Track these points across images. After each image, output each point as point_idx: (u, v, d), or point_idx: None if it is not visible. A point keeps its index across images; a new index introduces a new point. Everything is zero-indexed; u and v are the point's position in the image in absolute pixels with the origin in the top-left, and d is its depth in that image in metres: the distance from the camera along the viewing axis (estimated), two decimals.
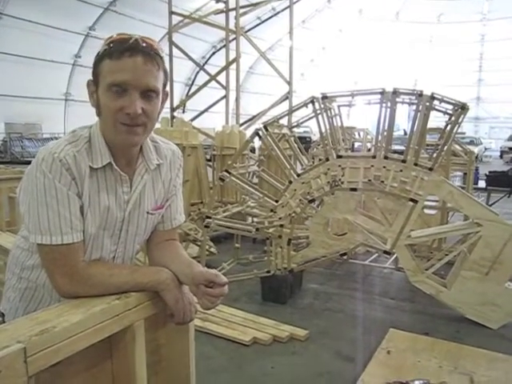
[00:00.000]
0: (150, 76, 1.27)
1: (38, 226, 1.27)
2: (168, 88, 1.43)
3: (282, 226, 4.36)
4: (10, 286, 1.51)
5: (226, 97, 10.32)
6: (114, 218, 1.40)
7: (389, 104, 4.09)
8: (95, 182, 1.34)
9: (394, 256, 4.78)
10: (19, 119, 22.63)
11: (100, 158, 1.33)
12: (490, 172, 8.07)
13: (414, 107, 4.08)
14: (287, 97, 11.21)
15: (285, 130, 5.42)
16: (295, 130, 6.02)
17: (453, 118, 4.07)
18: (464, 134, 23.01)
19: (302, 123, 4.91)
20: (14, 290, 1.50)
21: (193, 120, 10.17)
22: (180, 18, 11.40)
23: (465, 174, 6.37)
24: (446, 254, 4.28)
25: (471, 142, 22.26)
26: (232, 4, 10.46)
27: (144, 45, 1.26)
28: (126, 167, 1.40)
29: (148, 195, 1.47)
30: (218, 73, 10.71)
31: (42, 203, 1.26)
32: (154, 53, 1.28)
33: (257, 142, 5.39)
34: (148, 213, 1.48)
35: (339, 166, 4.19)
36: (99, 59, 1.27)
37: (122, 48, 1.24)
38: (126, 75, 1.24)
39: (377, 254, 5.55)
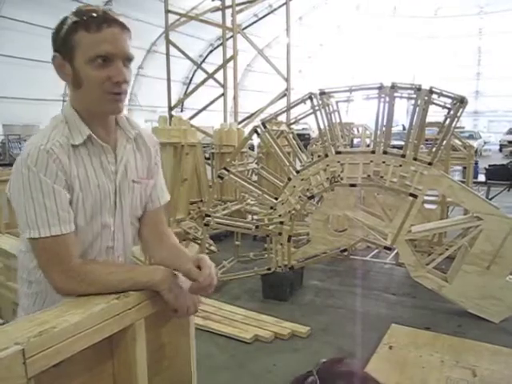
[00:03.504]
0: (126, 45, 1.33)
1: (26, 220, 1.27)
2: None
3: (281, 223, 4.35)
4: (22, 293, 1.51)
5: (223, 95, 10.30)
6: (106, 191, 1.41)
7: (387, 99, 4.07)
8: (80, 160, 1.35)
9: (395, 251, 4.77)
10: (17, 121, 22.57)
11: (80, 134, 1.35)
12: (489, 166, 8.06)
13: (413, 102, 4.07)
14: (285, 94, 11.20)
15: (283, 127, 5.42)
16: (294, 126, 6.01)
17: (452, 112, 4.05)
18: (463, 128, 22.93)
19: (300, 120, 4.89)
20: (26, 296, 1.49)
21: (191, 118, 10.15)
22: (176, 17, 11.36)
23: (464, 168, 6.38)
24: (447, 249, 4.28)
25: (470, 136, 22.20)
26: (228, 1, 10.43)
27: (114, 15, 1.31)
28: (106, 137, 1.41)
29: (132, 164, 1.49)
30: (216, 71, 10.70)
31: (28, 198, 1.26)
32: (123, 23, 1.33)
33: (256, 140, 5.38)
34: (134, 181, 1.49)
35: (338, 162, 4.18)
36: (72, 31, 1.28)
37: (99, 20, 1.27)
38: (109, 46, 1.28)
39: (377, 250, 5.55)
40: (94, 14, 1.27)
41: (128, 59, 1.34)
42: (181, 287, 1.38)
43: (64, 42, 1.29)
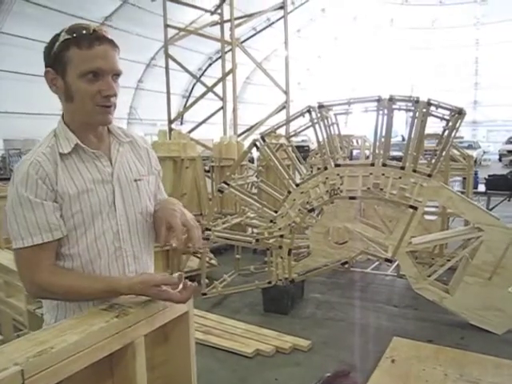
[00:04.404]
0: (116, 61, 1.41)
1: (11, 233, 1.38)
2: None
3: (282, 236, 4.34)
4: (45, 309, 1.55)
5: (223, 108, 10.34)
6: (104, 193, 1.46)
7: (386, 111, 4.09)
8: (74, 166, 1.43)
9: (396, 263, 4.76)
10: (18, 135, 22.60)
11: (68, 143, 1.43)
12: (489, 176, 8.04)
13: (411, 113, 4.08)
14: (284, 106, 11.24)
15: (282, 140, 5.43)
16: (293, 138, 6.02)
17: (450, 124, 4.07)
18: (462, 138, 23.01)
19: (299, 133, 4.91)
20: (48, 311, 1.53)
21: (191, 132, 10.18)
22: (175, 31, 11.46)
23: (464, 178, 6.37)
24: (448, 260, 4.26)
25: (469, 146, 22.24)
26: (227, 16, 10.53)
27: (104, 33, 1.38)
28: (99, 143, 1.50)
29: (130, 165, 1.56)
30: (215, 84, 10.76)
31: (12, 212, 1.37)
32: (112, 40, 1.41)
33: (255, 153, 5.40)
34: (136, 180, 1.55)
35: (338, 174, 4.19)
36: (64, 48, 1.36)
37: (90, 38, 1.36)
38: (100, 62, 1.36)
39: (378, 262, 5.53)
40: (85, 32, 1.36)
41: (116, 74, 1.42)
42: (151, 286, 1.35)
43: (57, 58, 1.38)
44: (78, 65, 1.36)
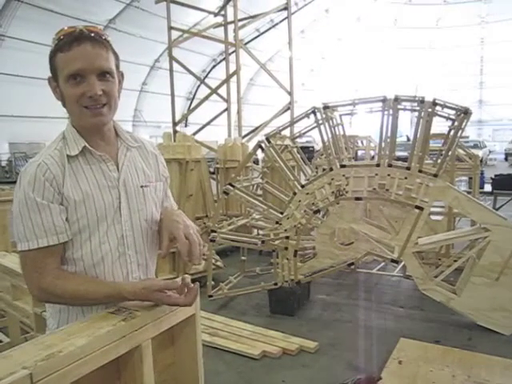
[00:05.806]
0: (101, 59, 1.35)
1: (17, 235, 1.36)
2: (122, 69, 1.49)
3: (287, 237, 4.33)
4: (49, 313, 1.54)
5: (227, 109, 10.35)
6: (109, 197, 1.44)
7: (391, 111, 4.08)
8: (80, 169, 1.41)
9: (402, 264, 4.74)
10: (23, 139, 22.76)
11: (76, 145, 1.41)
12: (495, 175, 8.00)
13: (417, 113, 4.07)
14: (289, 107, 11.24)
15: (287, 141, 5.42)
16: (298, 139, 6.01)
17: (456, 124, 4.05)
18: (467, 137, 22.90)
19: (304, 134, 4.91)
20: (52, 315, 1.52)
21: (195, 134, 10.19)
22: (179, 33, 11.48)
23: (470, 178, 6.34)
24: (455, 261, 4.24)
25: (475, 146, 22.12)
26: (230, 17, 10.55)
27: (89, 33, 1.34)
28: (107, 147, 1.48)
29: (137, 171, 1.53)
30: (219, 86, 10.77)
31: (18, 214, 1.35)
32: (100, 37, 1.36)
33: (260, 154, 5.40)
34: (142, 186, 1.53)
35: (343, 175, 4.18)
36: (53, 55, 1.36)
37: (70, 39, 1.32)
38: (79, 63, 1.32)
39: (384, 263, 5.51)
40: (66, 36, 1.33)
41: (104, 72, 1.36)
42: (154, 292, 1.34)
43: (50, 65, 1.39)
44: (63, 69, 1.34)
